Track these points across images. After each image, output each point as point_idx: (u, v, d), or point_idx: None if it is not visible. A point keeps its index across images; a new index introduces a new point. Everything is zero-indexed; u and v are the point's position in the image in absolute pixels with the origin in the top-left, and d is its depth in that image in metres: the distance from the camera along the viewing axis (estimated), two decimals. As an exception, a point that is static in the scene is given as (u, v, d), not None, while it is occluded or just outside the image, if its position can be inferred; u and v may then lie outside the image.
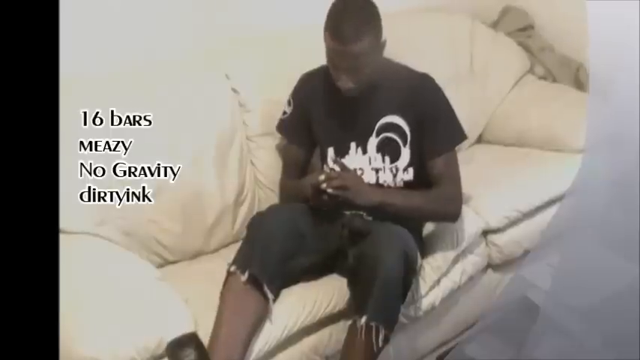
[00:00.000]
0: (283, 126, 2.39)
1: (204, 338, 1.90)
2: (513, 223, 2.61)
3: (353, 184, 2.09)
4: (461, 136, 2.30)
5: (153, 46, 2.50)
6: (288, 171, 2.43)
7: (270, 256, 2.02)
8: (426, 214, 2.29)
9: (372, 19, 2.09)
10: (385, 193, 2.20)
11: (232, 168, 2.48)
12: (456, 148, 2.30)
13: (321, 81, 2.27)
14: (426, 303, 2.30)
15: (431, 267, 2.31)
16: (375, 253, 2.00)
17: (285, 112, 2.36)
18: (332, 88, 2.19)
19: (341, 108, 2.25)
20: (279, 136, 2.50)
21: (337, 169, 2.18)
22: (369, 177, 2.27)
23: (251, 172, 2.55)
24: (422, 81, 2.25)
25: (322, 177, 2.07)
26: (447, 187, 2.23)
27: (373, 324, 1.96)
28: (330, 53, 2.10)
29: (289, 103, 2.35)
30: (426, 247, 2.33)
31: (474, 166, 2.84)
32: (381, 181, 2.26)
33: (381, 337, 1.97)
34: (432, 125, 2.21)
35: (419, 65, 2.32)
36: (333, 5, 2.10)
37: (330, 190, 2.05)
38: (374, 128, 2.24)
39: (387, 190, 2.24)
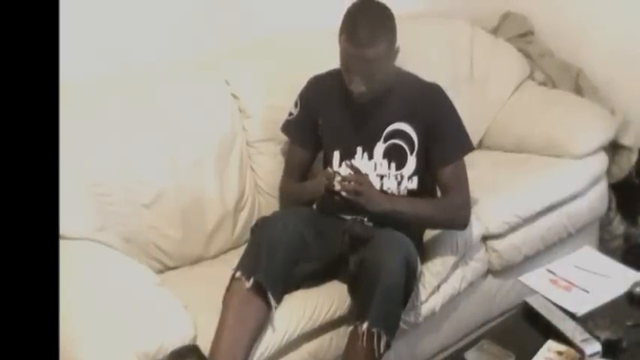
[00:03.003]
0: (288, 127, 2.39)
1: (205, 343, 1.90)
2: (513, 228, 2.61)
3: (366, 190, 2.10)
4: (469, 146, 2.30)
5: (153, 52, 2.51)
6: (289, 172, 2.43)
7: (275, 262, 2.01)
8: (434, 222, 2.30)
9: (387, 23, 2.11)
10: (395, 201, 2.20)
11: (232, 174, 2.48)
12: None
13: (330, 84, 2.27)
14: (426, 309, 2.30)
15: (431, 273, 2.31)
16: (377, 259, 2.00)
17: (291, 113, 2.37)
18: (341, 91, 2.20)
19: (349, 112, 2.25)
20: (279, 141, 2.50)
21: (343, 172, 2.16)
22: (374, 183, 2.26)
23: (251, 177, 2.55)
24: (432, 90, 2.27)
25: (338, 178, 2.07)
26: (455, 196, 2.24)
27: (375, 330, 1.95)
28: (345, 56, 2.10)
29: (296, 105, 2.35)
30: (426, 252, 2.33)
31: (473, 172, 2.82)
32: (385, 188, 2.26)
33: (382, 343, 1.97)
34: (440, 134, 2.22)
35: (419, 71, 2.32)
36: (350, 9, 2.12)
37: (343, 193, 2.06)
38: (382, 134, 2.24)
39: (396, 198, 2.24)
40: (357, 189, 2.07)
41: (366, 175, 2.20)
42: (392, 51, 2.13)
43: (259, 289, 1.98)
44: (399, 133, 2.23)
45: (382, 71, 2.12)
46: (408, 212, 2.18)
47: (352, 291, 2.12)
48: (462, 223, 2.29)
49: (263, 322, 2.01)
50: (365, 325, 1.95)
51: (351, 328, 2.02)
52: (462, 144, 2.28)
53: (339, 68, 2.18)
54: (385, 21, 2.11)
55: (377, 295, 1.95)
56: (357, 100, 2.16)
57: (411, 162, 2.24)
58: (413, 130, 2.23)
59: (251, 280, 1.97)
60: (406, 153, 2.24)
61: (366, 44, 2.04)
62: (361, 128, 2.24)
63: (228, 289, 2.01)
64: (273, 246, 2.02)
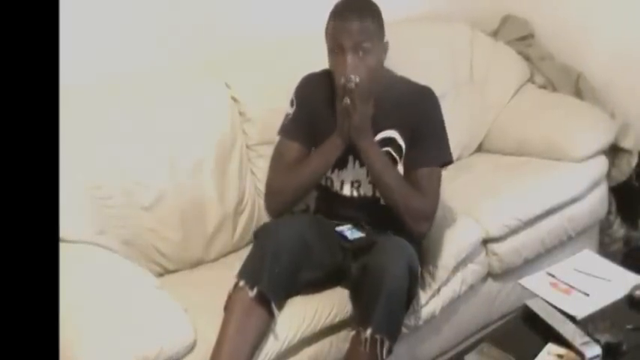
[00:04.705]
0: (286, 128, 2.29)
1: (205, 347, 1.90)
2: (513, 231, 2.61)
3: (362, 110, 2.07)
4: (448, 157, 2.24)
5: (153, 56, 2.51)
6: (281, 170, 2.26)
7: (279, 270, 1.98)
8: (392, 199, 2.15)
9: (374, 10, 2.13)
10: (375, 148, 2.14)
11: (232, 177, 2.48)
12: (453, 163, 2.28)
13: (324, 86, 2.23)
14: (426, 312, 2.30)
15: (431, 276, 2.31)
16: (380, 265, 1.98)
17: (288, 115, 2.29)
18: (333, 96, 2.16)
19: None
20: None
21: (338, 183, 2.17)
22: (366, 190, 2.25)
23: (251, 180, 2.55)
24: (421, 96, 2.23)
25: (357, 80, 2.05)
26: (422, 201, 2.17)
27: (378, 336, 1.93)
28: (335, 36, 2.07)
29: (292, 104, 2.29)
30: (426, 256, 2.33)
31: (473, 175, 2.84)
32: (377, 195, 2.24)
33: (385, 348, 1.95)
34: (422, 138, 2.19)
35: (419, 75, 2.31)
36: (335, 4, 2.13)
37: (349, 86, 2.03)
38: None
39: (377, 150, 2.16)
40: (355, 103, 2.05)
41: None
42: (381, 39, 2.12)
43: (262, 299, 1.96)
44: (389, 141, 2.20)
45: (375, 56, 2.09)
46: (376, 166, 2.14)
47: (354, 296, 2.11)
48: (418, 229, 2.18)
49: (264, 331, 1.99)
50: (369, 331, 1.93)
51: (353, 333, 2.01)
52: (441, 153, 2.22)
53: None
54: (371, 8, 2.13)
55: (381, 301, 1.94)
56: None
57: (400, 170, 2.22)
58: (401, 137, 2.20)
59: (255, 290, 1.94)
60: (396, 160, 2.21)
61: (355, 19, 2.05)
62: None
63: (230, 297, 1.98)
64: (277, 253, 1.99)
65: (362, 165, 2.21)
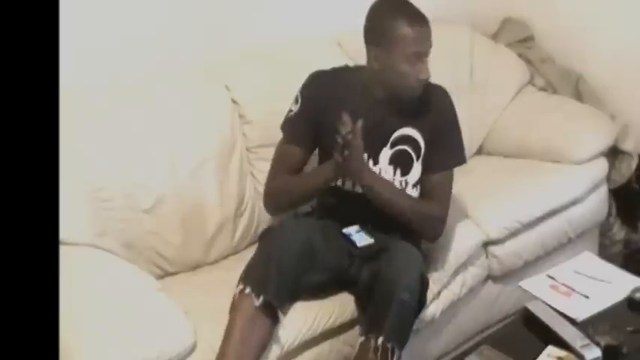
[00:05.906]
0: (288, 129, 2.27)
1: (204, 349, 1.90)
2: (513, 234, 2.61)
3: (355, 152, 2.04)
4: (463, 159, 2.29)
5: (153, 57, 2.51)
6: (279, 172, 2.28)
7: (284, 277, 1.96)
8: (404, 218, 2.18)
9: None
10: (377, 180, 2.15)
11: (232, 179, 2.48)
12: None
13: (335, 83, 2.22)
14: (426, 315, 2.28)
15: (431, 279, 2.30)
16: (392, 275, 1.97)
17: (291, 111, 2.26)
18: (345, 93, 2.16)
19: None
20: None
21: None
22: None
23: (251, 183, 2.54)
24: (438, 94, 2.25)
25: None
26: (435, 205, 2.20)
27: (389, 345, 1.92)
28: (418, 43, 2.09)
29: (296, 100, 2.24)
30: (426, 259, 2.31)
31: (473, 177, 2.84)
32: None
33: (395, 357, 1.94)
34: (440, 140, 2.21)
35: (419, 77, 2.32)
36: (396, 6, 2.13)
37: (339, 140, 2.01)
38: (389, 140, 2.20)
39: (379, 179, 2.18)
40: (349, 144, 2.01)
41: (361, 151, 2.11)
42: None
43: (268, 306, 1.94)
44: (407, 139, 2.20)
45: None
46: (384, 197, 2.14)
47: (364, 303, 2.08)
48: (433, 235, 2.23)
49: (267, 339, 1.97)
50: (380, 340, 1.91)
51: (361, 339, 1.97)
52: (457, 155, 2.26)
53: (343, 67, 2.17)
54: None
55: (393, 310, 1.92)
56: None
57: (417, 169, 2.22)
58: (419, 134, 2.20)
59: (260, 299, 1.92)
60: (412, 159, 2.21)
61: (426, 20, 2.10)
62: (367, 133, 2.09)
63: (234, 303, 1.96)
64: (282, 258, 1.97)
65: (375, 163, 2.21)
